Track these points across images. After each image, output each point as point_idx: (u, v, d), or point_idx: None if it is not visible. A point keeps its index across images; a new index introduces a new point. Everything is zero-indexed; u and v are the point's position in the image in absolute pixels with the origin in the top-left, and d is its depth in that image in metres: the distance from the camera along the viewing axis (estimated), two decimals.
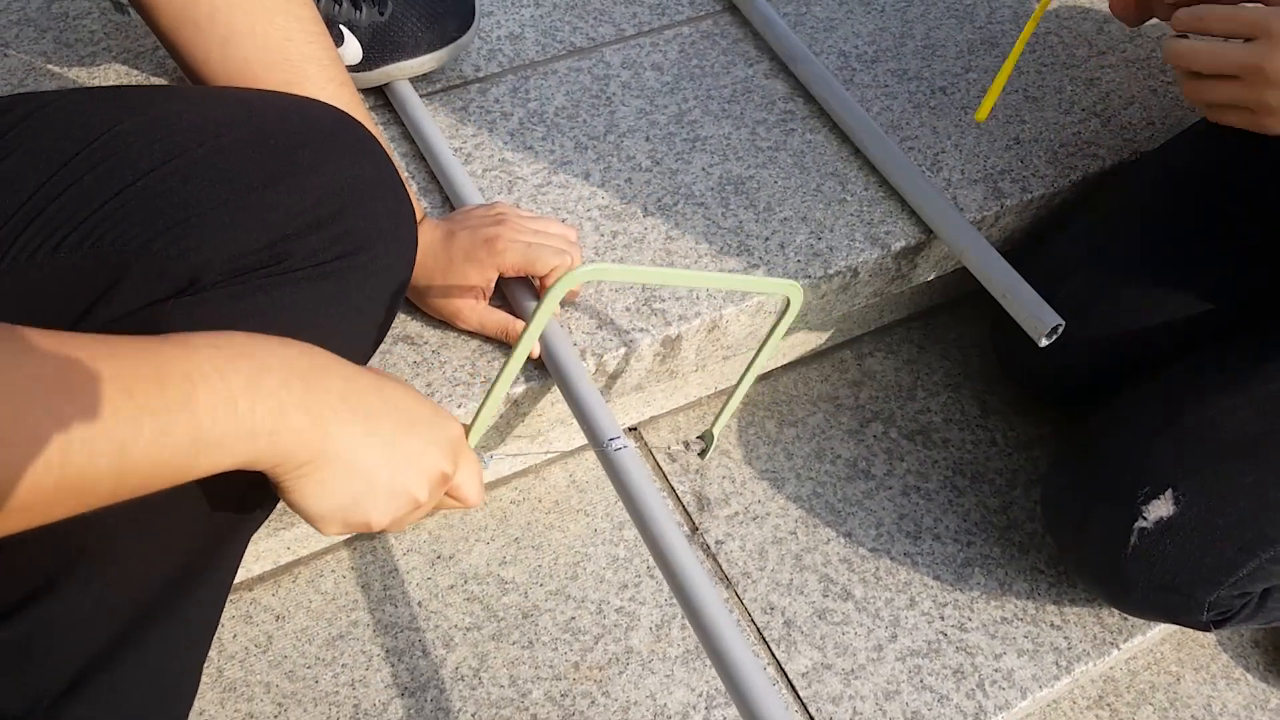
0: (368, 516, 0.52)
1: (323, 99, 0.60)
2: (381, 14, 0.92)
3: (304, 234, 0.53)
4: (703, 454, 0.96)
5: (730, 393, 0.88)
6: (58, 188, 0.51)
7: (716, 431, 0.93)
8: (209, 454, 0.43)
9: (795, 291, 0.73)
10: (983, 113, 0.83)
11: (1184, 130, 0.97)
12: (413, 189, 0.89)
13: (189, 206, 0.52)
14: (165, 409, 0.40)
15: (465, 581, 0.87)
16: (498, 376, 0.65)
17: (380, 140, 0.62)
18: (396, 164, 0.90)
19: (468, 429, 0.64)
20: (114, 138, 0.53)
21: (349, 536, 0.90)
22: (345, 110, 0.60)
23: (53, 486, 0.37)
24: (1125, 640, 0.88)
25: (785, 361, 1.06)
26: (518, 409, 0.79)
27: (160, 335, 0.43)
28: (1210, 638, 1.01)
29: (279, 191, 0.53)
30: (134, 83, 0.96)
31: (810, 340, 1.05)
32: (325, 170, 0.55)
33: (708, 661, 0.84)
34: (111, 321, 0.52)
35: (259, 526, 0.60)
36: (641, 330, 0.81)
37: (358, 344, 0.59)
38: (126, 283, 0.51)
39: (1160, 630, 0.91)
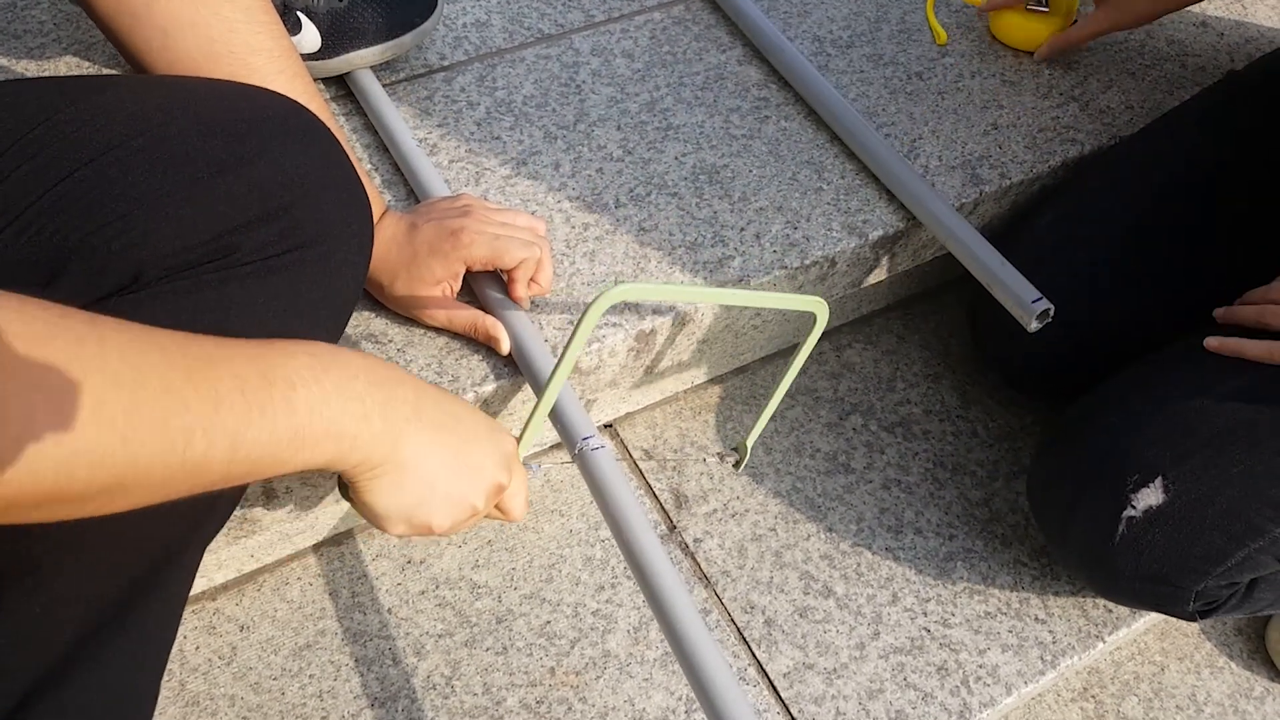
0: (430, 519, 0.55)
1: (273, 90, 0.57)
2: (340, 0, 0.89)
3: (252, 226, 0.51)
4: (737, 465, 0.94)
5: (764, 407, 0.85)
6: None
7: (750, 444, 0.90)
8: (304, 450, 0.45)
9: (821, 308, 0.72)
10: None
11: (1163, 115, 0.96)
12: (376, 181, 0.86)
13: (130, 198, 0.49)
14: (272, 407, 0.43)
15: (437, 587, 0.85)
16: (543, 392, 0.63)
17: (334, 129, 0.59)
18: (358, 156, 0.88)
19: (518, 440, 0.64)
20: (52, 128, 0.51)
21: (317, 542, 0.87)
22: (298, 100, 0.58)
23: (177, 467, 0.40)
24: (1110, 633, 0.87)
25: (763, 354, 1.04)
26: (488, 408, 0.76)
27: (265, 340, 0.46)
28: (1194, 627, 1.00)
29: (225, 182, 0.50)
30: (85, 75, 0.92)
31: (788, 333, 1.03)
32: (273, 160, 0.52)
33: None
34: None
35: (214, 536, 0.58)
36: (615, 325, 0.78)
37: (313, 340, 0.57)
38: (65, 278, 0.49)
39: (1145, 621, 0.90)
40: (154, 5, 0.59)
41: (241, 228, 0.50)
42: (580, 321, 0.57)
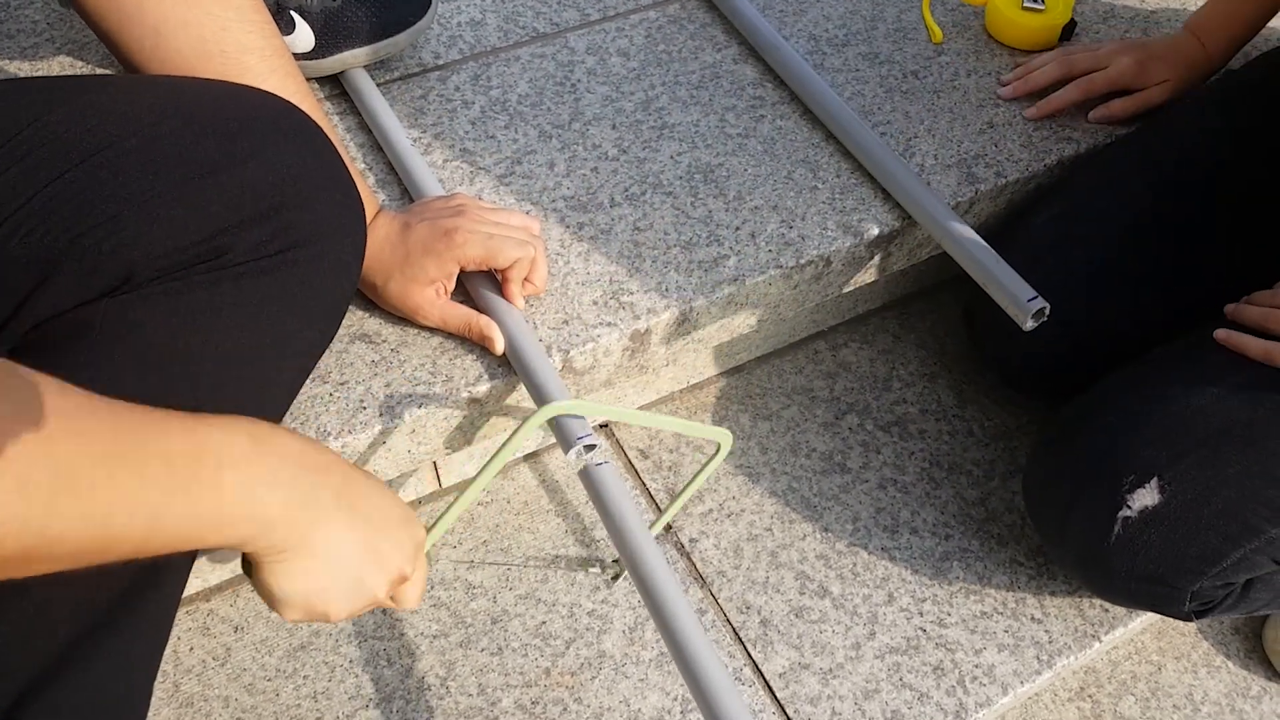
0: (328, 608, 0.54)
1: (265, 90, 0.57)
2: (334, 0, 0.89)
3: (244, 227, 0.50)
4: (614, 578, 0.87)
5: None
6: None
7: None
8: (223, 530, 0.45)
9: (725, 438, 0.73)
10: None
11: (1161, 113, 0.95)
12: (370, 181, 0.86)
13: (120, 199, 0.49)
14: (198, 486, 0.43)
15: (431, 587, 0.84)
16: (461, 495, 0.63)
17: (327, 129, 0.59)
18: (352, 155, 0.88)
19: (429, 529, 0.63)
20: (42, 128, 0.50)
21: None
22: (290, 100, 0.57)
23: (90, 539, 0.40)
24: (1106, 632, 0.87)
25: (759, 354, 1.04)
26: (482, 408, 0.76)
27: (200, 415, 0.45)
28: (1191, 626, 1.00)
29: (216, 182, 0.50)
30: (77, 75, 0.92)
31: (783, 331, 1.03)
32: (265, 160, 0.52)
33: None
34: (42, 321, 0.50)
35: None
36: (609, 324, 0.78)
37: (305, 342, 0.57)
38: (57, 280, 0.49)
39: (1141, 620, 0.90)
40: (145, 5, 0.58)
41: (233, 228, 0.50)
42: (511, 435, 0.58)
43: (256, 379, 0.53)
